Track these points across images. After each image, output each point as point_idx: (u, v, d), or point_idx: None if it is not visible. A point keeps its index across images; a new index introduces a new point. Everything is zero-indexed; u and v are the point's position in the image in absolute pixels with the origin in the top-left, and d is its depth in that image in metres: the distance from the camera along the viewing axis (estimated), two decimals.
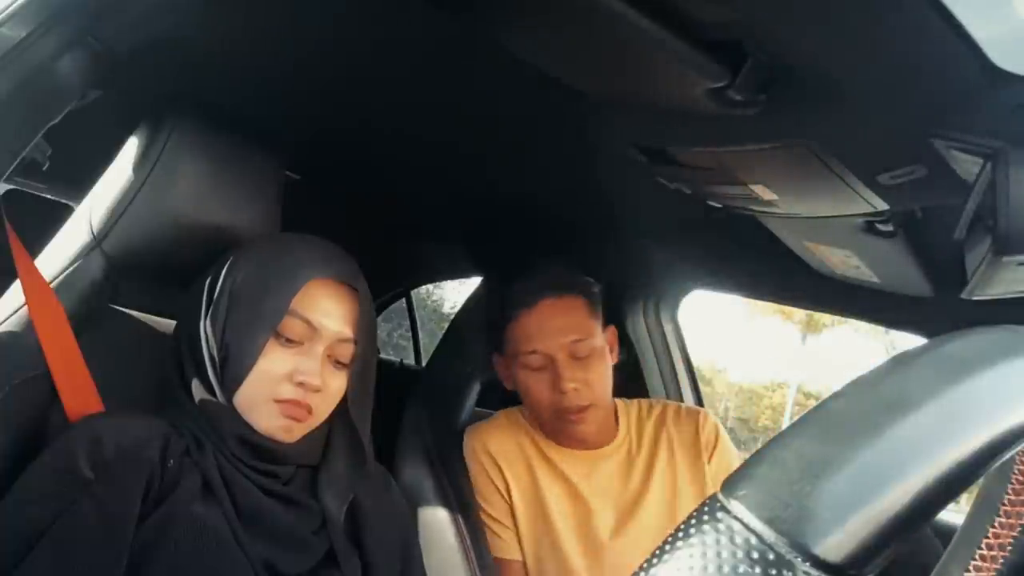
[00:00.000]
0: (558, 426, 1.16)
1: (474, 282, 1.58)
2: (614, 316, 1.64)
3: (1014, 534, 0.29)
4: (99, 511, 0.69)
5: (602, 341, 1.17)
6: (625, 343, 1.64)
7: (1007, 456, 0.25)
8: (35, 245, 0.89)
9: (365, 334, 0.85)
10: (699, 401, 1.62)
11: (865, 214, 0.90)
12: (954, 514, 1.21)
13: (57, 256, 0.88)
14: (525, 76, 0.77)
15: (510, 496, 1.19)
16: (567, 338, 1.12)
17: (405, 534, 0.96)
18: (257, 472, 0.80)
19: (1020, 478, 0.30)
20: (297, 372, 0.80)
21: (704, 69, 0.65)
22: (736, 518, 0.25)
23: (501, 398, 1.38)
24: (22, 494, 0.70)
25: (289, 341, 0.81)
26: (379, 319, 2.24)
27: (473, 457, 1.22)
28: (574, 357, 1.12)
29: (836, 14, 0.56)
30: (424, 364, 2.08)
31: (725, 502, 0.25)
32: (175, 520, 0.72)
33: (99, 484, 0.70)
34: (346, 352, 0.84)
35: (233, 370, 0.80)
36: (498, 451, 1.21)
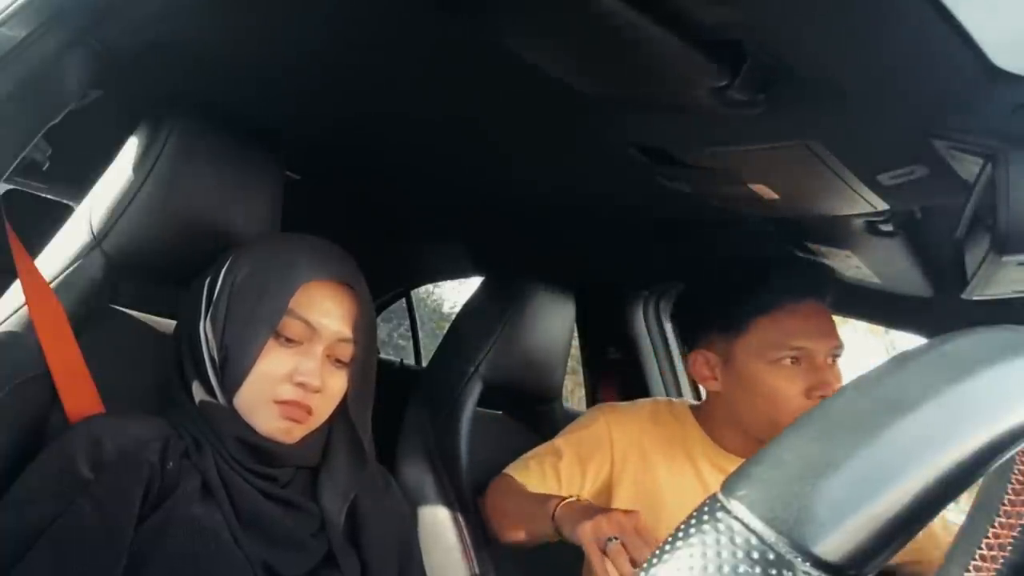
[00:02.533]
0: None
1: (474, 282, 1.58)
2: (614, 316, 1.65)
3: (1014, 534, 0.29)
4: (98, 512, 0.69)
5: None
6: (625, 343, 1.64)
7: (1007, 456, 0.25)
8: (35, 245, 0.89)
9: (365, 334, 0.85)
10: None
11: (865, 214, 0.90)
12: (954, 514, 1.21)
13: (57, 256, 0.88)
14: (526, 76, 0.77)
15: (610, 482, 1.13)
16: (832, 343, 1.05)
17: (405, 534, 0.96)
18: (256, 475, 0.80)
19: (1020, 478, 0.30)
20: (297, 372, 0.80)
21: (704, 69, 0.65)
22: (736, 518, 0.25)
23: (502, 398, 1.38)
24: (22, 494, 0.70)
25: (289, 341, 0.81)
26: (379, 319, 2.24)
27: (606, 429, 1.15)
28: (833, 362, 1.06)
29: (836, 14, 0.56)
30: (424, 364, 2.08)
31: (725, 502, 0.25)
32: (174, 521, 0.72)
33: (98, 485, 0.70)
34: (346, 352, 0.84)
35: (233, 371, 0.80)
36: (646, 442, 1.14)
